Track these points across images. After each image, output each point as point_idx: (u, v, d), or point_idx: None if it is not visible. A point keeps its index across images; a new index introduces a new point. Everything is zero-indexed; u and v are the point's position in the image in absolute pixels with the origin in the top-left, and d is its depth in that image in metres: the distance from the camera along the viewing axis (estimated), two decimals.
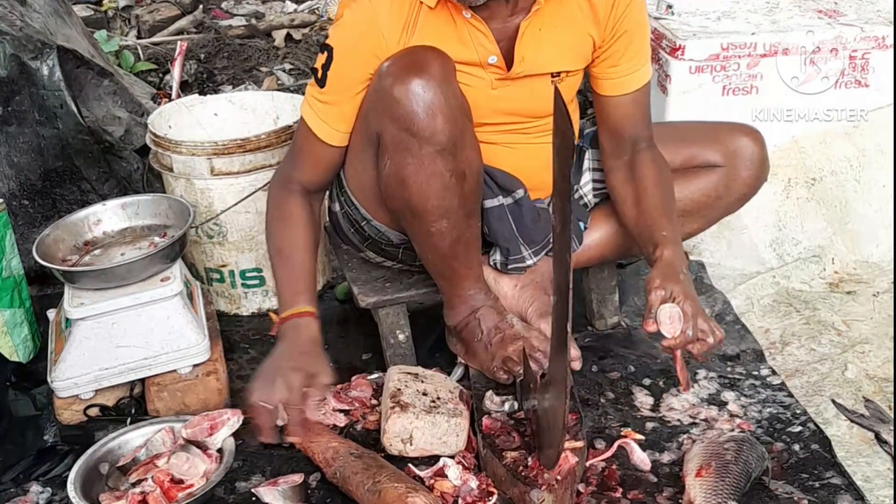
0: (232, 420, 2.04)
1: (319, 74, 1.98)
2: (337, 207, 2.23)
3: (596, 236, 2.29)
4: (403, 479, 1.86)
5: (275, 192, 2.12)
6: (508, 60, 1.99)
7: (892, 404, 2.16)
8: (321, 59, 1.98)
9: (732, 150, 2.21)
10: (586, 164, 2.30)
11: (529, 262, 2.19)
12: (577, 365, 2.03)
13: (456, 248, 2.01)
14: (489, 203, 2.11)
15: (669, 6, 2.89)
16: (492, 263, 2.22)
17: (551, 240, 2.23)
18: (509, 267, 2.19)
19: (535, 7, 1.95)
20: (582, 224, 2.28)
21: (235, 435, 2.04)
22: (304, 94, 2.09)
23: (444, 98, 1.84)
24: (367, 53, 1.92)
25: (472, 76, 1.98)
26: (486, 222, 2.13)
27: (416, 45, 1.90)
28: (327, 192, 2.23)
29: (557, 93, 1.62)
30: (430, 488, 1.91)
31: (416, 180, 1.90)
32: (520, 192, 2.13)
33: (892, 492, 1.89)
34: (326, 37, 1.99)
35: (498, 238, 2.16)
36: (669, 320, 1.87)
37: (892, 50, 2.69)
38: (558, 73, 2.04)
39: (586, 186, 2.31)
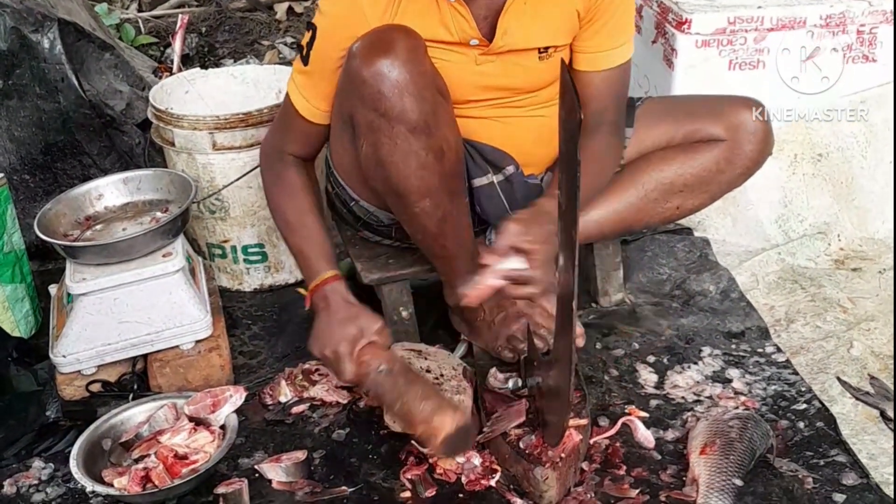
0: (235, 397, 2.04)
1: (304, 52, 1.98)
2: (329, 188, 2.23)
3: (597, 213, 2.26)
4: (431, 396, 1.86)
5: (268, 165, 2.12)
6: (491, 35, 1.97)
7: None
8: (306, 36, 1.97)
9: (735, 123, 2.19)
10: None
11: None
12: (580, 342, 2.02)
13: (444, 226, 1.99)
14: (479, 182, 2.09)
15: None
16: (487, 243, 2.20)
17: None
18: None
19: None
20: None
21: (238, 411, 2.04)
22: None
23: (411, 76, 1.81)
24: (349, 34, 1.89)
25: (454, 52, 1.96)
26: (478, 202, 2.12)
27: (386, 24, 1.88)
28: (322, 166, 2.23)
29: (564, 68, 1.60)
30: (433, 465, 1.91)
31: (393, 160, 1.87)
32: (510, 169, 2.12)
33: None
34: (313, 15, 1.98)
35: (490, 217, 2.15)
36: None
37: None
38: (546, 49, 2.02)
39: None
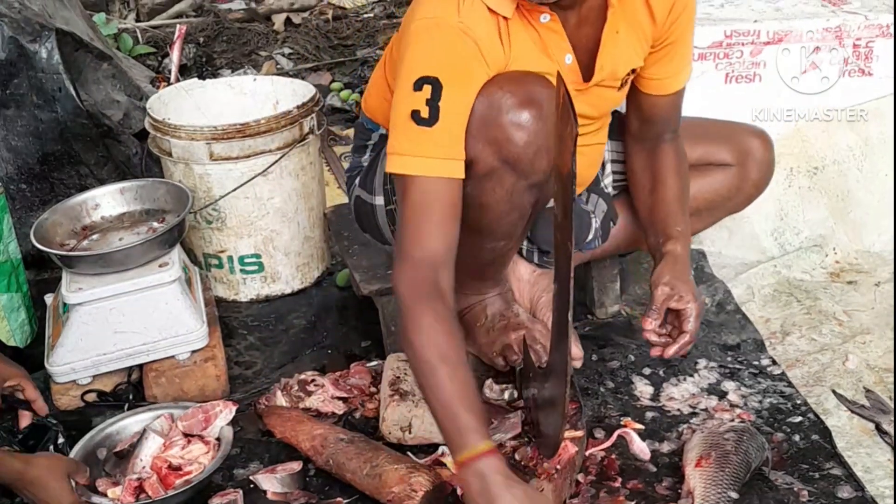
0: (225, 412, 2.03)
1: (425, 113, 1.74)
2: (380, 202, 2.12)
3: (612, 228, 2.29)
4: (402, 460, 1.86)
5: (418, 299, 1.74)
6: (584, 69, 1.93)
7: (893, 395, 2.16)
8: (422, 95, 1.75)
9: (744, 150, 2.23)
10: (606, 155, 2.27)
11: None
12: (577, 363, 2.03)
13: (496, 257, 2.02)
14: None
15: None
16: (525, 255, 2.22)
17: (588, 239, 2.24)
18: (546, 262, 2.21)
19: (609, 11, 1.88)
20: (612, 222, 2.27)
21: (234, 422, 2.03)
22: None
23: (548, 133, 1.75)
24: (479, 72, 1.78)
25: None
26: (534, 224, 2.10)
27: (521, 70, 1.81)
28: (368, 186, 2.12)
29: (560, 81, 1.61)
30: None
31: (499, 209, 1.86)
32: None
33: (892, 482, 1.89)
34: (414, 75, 1.77)
35: (539, 241, 2.17)
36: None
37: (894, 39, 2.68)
38: (628, 75, 2.00)
39: (607, 178, 2.29)
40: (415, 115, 1.74)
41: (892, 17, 2.67)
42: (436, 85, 1.73)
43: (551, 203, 2.04)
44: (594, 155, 2.14)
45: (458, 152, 1.77)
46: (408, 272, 1.76)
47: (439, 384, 1.68)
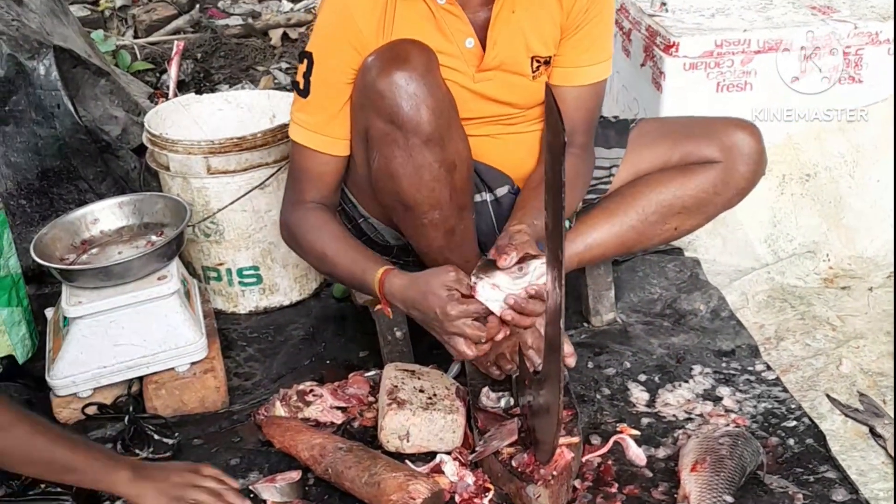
0: None
1: (302, 84, 1.97)
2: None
3: (598, 236, 2.27)
4: (400, 468, 1.88)
5: (289, 220, 2.09)
6: (484, 48, 1.99)
7: (888, 398, 2.17)
8: (301, 68, 1.96)
9: (729, 145, 2.21)
10: None
11: None
12: (571, 362, 2.04)
13: (450, 239, 2.01)
14: (475, 198, 2.11)
15: (663, 3, 2.89)
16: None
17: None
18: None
19: None
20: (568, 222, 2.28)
21: (234, 431, 2.05)
22: None
23: (428, 89, 1.84)
24: (348, 49, 1.91)
25: (454, 70, 1.98)
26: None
27: (399, 38, 1.90)
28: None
29: (549, 91, 1.63)
30: None
31: (405, 172, 1.89)
32: (503, 190, 2.14)
33: (885, 485, 1.90)
34: (304, 47, 1.98)
35: (477, 233, 2.17)
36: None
37: (885, 46, 2.70)
38: (538, 63, 2.04)
39: None
40: (296, 86, 1.98)
41: (881, 24, 2.69)
42: (310, 59, 1.94)
43: (482, 197, 2.13)
44: (535, 145, 2.14)
45: (330, 130, 1.99)
46: (285, 212, 2.09)
47: (330, 256, 2.00)
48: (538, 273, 1.78)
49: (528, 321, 1.82)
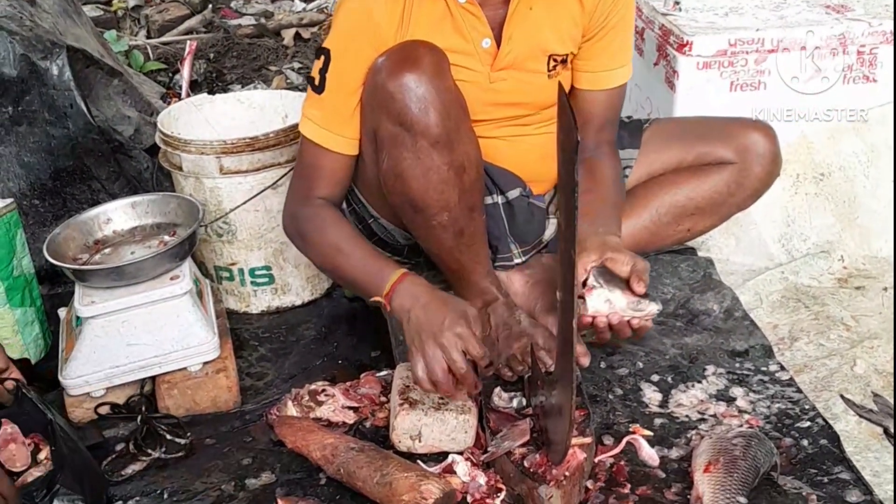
0: None
1: (317, 81, 1.97)
2: (345, 205, 2.23)
3: None
4: (412, 468, 1.87)
5: (295, 217, 2.10)
6: (499, 46, 1.99)
7: None
8: (318, 64, 1.97)
9: (744, 146, 2.21)
10: None
11: (517, 260, 2.21)
12: (584, 361, 2.03)
13: (460, 240, 2.02)
14: (485, 200, 2.11)
15: (677, 2, 2.89)
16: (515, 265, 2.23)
17: (542, 239, 2.24)
18: (496, 264, 2.20)
19: None
20: None
21: (246, 432, 2.04)
22: None
23: (437, 91, 1.85)
24: (366, 48, 1.92)
25: (469, 70, 1.98)
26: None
27: (410, 39, 1.91)
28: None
29: (562, 90, 1.63)
30: None
31: (414, 174, 1.90)
32: (514, 192, 2.14)
33: None
34: (320, 44, 1.99)
35: (488, 235, 2.17)
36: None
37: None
38: (554, 62, 2.03)
39: None
40: (311, 81, 1.98)
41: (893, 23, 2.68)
42: (328, 56, 1.94)
43: (493, 199, 2.13)
44: (548, 147, 2.11)
45: (342, 129, 1.99)
46: (292, 206, 2.09)
47: (344, 251, 2.00)
48: (649, 312, 1.86)
49: (604, 339, 1.92)
